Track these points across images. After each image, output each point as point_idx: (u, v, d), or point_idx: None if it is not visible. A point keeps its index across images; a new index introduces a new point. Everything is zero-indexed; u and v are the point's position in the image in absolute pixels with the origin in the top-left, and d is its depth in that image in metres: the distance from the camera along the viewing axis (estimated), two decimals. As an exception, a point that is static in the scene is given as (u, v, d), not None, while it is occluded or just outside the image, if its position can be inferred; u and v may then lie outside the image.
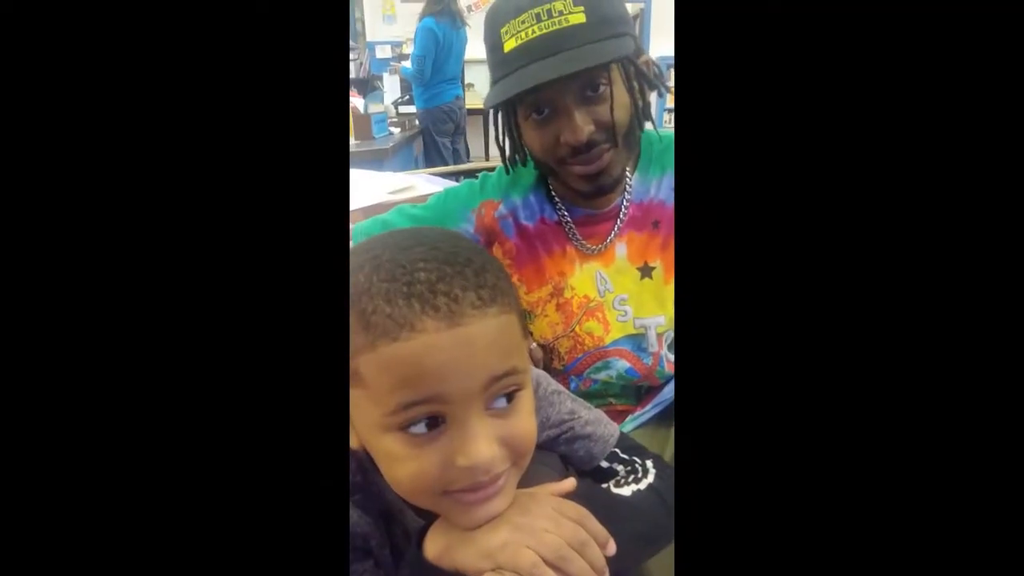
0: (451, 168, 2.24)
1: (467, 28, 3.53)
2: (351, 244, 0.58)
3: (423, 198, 1.16)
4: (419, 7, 3.48)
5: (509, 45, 0.70)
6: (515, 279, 0.84)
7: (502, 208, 0.84)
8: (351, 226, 0.88)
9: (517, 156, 0.80)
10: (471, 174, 0.96)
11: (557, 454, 0.59)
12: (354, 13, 6.72)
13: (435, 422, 0.41)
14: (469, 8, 4.56)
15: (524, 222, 0.84)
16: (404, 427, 0.41)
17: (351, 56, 3.99)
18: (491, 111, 0.79)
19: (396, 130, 3.27)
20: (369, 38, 5.48)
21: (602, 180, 0.74)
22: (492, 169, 0.90)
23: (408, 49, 4.16)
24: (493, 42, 0.72)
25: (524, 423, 0.44)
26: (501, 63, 0.71)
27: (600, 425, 0.60)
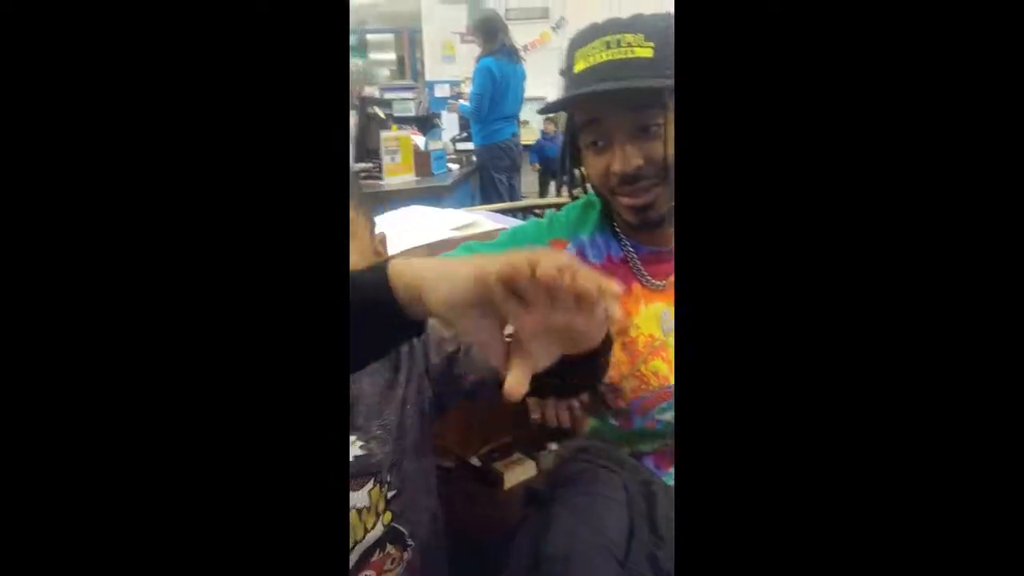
0: (511, 204, 2.27)
1: (523, 65, 3.61)
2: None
3: (487, 234, 1.18)
4: (478, 48, 3.58)
5: (579, 67, 0.75)
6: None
7: (570, 247, 0.85)
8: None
9: (575, 178, 0.85)
10: (530, 210, 0.98)
11: None
12: (414, 53, 6.96)
13: None
14: (525, 47, 4.67)
15: (591, 260, 0.85)
16: None
17: (411, 95, 4.12)
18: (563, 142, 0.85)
19: (455, 166, 3.34)
20: (428, 77, 5.67)
21: (649, 214, 0.77)
22: (555, 207, 0.92)
23: (466, 88, 4.28)
24: (567, 64, 0.78)
25: None
26: (569, 83, 0.77)
27: None
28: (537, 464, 1.05)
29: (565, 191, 0.89)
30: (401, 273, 0.40)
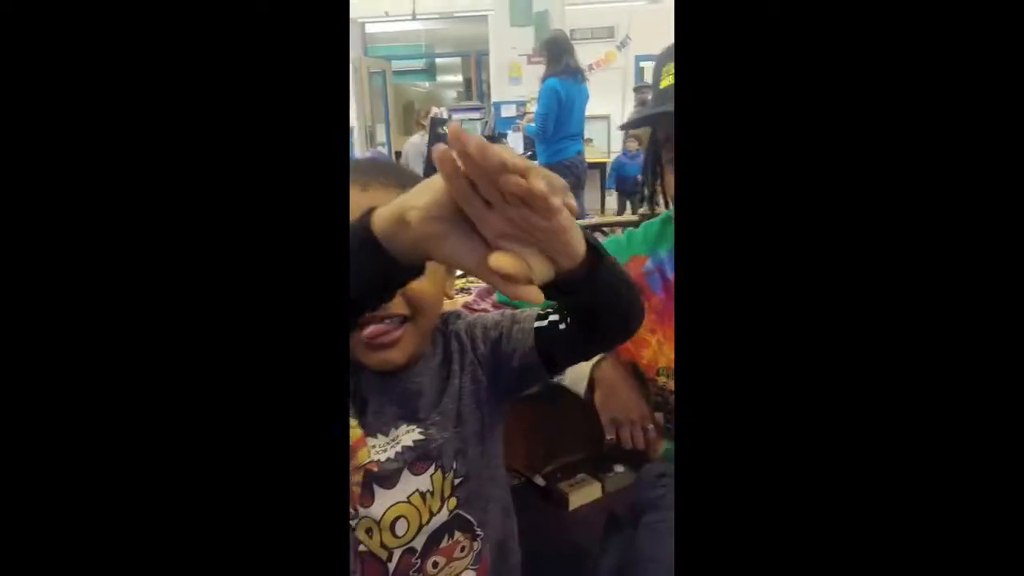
0: (582, 223, 2.27)
1: (587, 84, 3.62)
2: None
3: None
4: (543, 69, 3.62)
5: (664, 82, 0.76)
6: (659, 335, 0.83)
7: (649, 263, 0.85)
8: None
9: (655, 192, 0.84)
10: (597, 228, 0.97)
11: None
12: (480, 75, 7.10)
13: None
14: (590, 67, 4.69)
15: (671, 276, 0.83)
16: None
17: (478, 115, 4.19)
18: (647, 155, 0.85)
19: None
20: (495, 98, 5.76)
21: None
22: (622, 225, 0.90)
23: (531, 108, 4.32)
24: (655, 79, 0.79)
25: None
26: (655, 98, 0.78)
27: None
28: (602, 486, 1.03)
29: (646, 206, 0.88)
30: (381, 212, 0.41)
